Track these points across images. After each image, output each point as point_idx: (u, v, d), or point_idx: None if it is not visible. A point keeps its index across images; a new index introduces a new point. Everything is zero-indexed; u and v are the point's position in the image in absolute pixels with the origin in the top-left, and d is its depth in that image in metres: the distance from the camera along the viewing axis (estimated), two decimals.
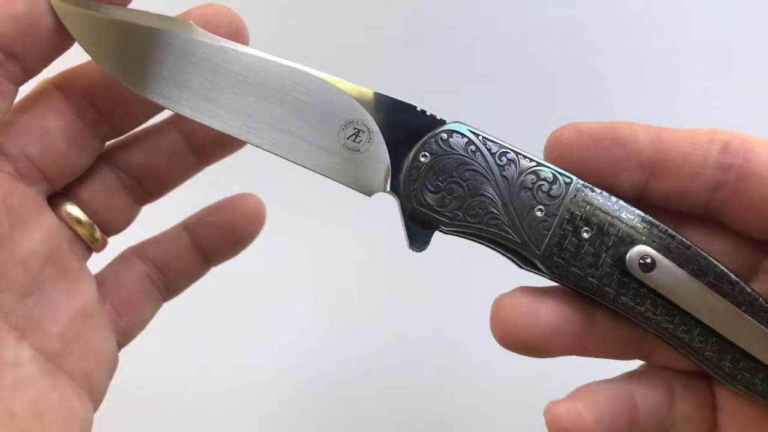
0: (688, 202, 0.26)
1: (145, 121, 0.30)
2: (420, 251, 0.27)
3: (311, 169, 0.27)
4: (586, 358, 0.28)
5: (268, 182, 0.36)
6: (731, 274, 0.26)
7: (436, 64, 0.51)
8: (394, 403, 0.51)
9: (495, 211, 0.26)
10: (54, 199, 0.29)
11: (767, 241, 0.27)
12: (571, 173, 0.26)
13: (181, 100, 0.26)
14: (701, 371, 0.28)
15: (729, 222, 0.27)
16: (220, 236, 0.33)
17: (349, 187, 0.27)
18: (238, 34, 0.28)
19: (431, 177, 0.26)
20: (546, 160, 0.26)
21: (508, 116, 0.45)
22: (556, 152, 0.26)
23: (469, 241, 0.27)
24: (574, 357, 0.29)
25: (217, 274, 0.34)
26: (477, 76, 0.51)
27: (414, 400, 0.50)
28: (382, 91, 0.27)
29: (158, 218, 0.33)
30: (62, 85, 0.28)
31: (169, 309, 0.33)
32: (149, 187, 0.31)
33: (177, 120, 0.31)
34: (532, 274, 0.27)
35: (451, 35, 0.51)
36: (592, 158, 0.26)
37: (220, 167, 0.32)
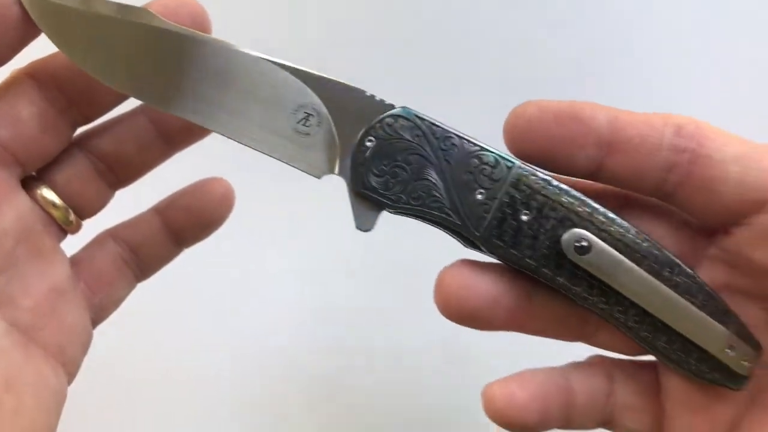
0: (641, 182, 0.27)
1: (113, 107, 0.31)
2: (367, 231, 0.28)
3: (262, 152, 0.28)
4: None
5: (247, 165, 0.37)
6: (672, 257, 0.27)
7: (419, 63, 0.51)
8: (381, 386, 0.52)
9: (437, 194, 0.27)
10: (30, 183, 0.30)
11: (713, 228, 0.28)
12: (531, 147, 0.26)
13: (141, 87, 0.28)
14: (645, 361, 0.29)
15: (680, 205, 0.27)
16: (190, 219, 0.34)
17: (300, 169, 0.28)
18: (201, 24, 0.29)
19: (376, 161, 0.27)
20: (506, 136, 0.27)
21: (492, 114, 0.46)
22: (517, 127, 0.26)
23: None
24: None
25: (200, 253, 0.36)
26: (463, 74, 0.52)
27: (404, 385, 0.51)
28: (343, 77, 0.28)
29: (135, 202, 0.34)
30: (33, 74, 0.29)
31: (152, 291, 0.35)
32: (121, 172, 0.32)
33: (146, 107, 0.32)
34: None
35: (436, 34, 0.51)
36: (553, 134, 0.26)
37: (194, 151, 0.34)
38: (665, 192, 0.27)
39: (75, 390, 0.31)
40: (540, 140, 0.26)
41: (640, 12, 0.51)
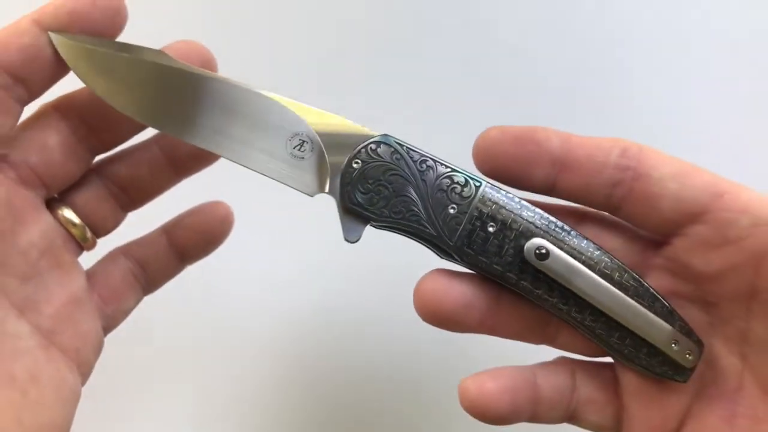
0: (591, 196, 0.31)
1: (130, 137, 0.35)
2: (354, 242, 0.31)
3: (262, 174, 0.32)
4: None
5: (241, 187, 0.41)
6: (621, 264, 0.30)
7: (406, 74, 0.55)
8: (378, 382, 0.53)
9: (415, 209, 0.31)
10: (53, 204, 0.34)
11: (658, 240, 0.31)
12: (494, 166, 0.30)
13: (159, 119, 0.32)
14: (604, 361, 0.33)
15: (626, 217, 0.31)
16: (193, 238, 0.37)
17: (295, 189, 0.32)
18: (208, 64, 0.33)
19: (362, 180, 0.31)
20: (474, 155, 0.31)
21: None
22: (482, 147, 0.30)
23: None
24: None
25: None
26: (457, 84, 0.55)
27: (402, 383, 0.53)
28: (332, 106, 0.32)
29: (145, 222, 0.38)
30: (59, 107, 0.33)
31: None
32: (134, 195, 0.36)
33: (159, 139, 0.36)
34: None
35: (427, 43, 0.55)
36: (512, 153, 0.30)
37: (200, 176, 0.37)
38: (612, 205, 0.31)
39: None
40: (502, 159, 0.30)
41: (631, 26, 0.53)
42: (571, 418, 0.33)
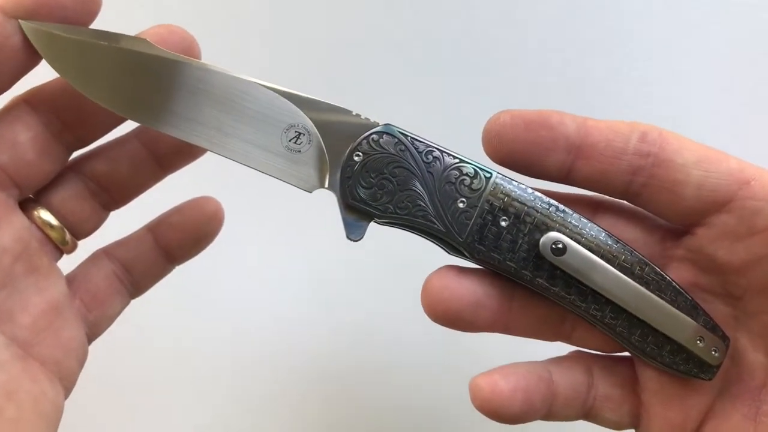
0: (609, 184, 0.29)
1: (107, 131, 0.33)
2: (357, 240, 0.29)
3: (257, 169, 0.29)
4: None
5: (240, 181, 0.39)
6: (641, 257, 0.29)
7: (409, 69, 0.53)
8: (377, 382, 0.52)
9: (422, 203, 0.29)
10: (27, 205, 0.31)
11: (679, 230, 0.30)
12: (506, 153, 0.28)
13: (139, 111, 0.29)
14: (622, 356, 0.31)
15: (645, 205, 0.29)
16: (180, 236, 0.35)
17: (292, 184, 0.30)
18: (190, 50, 0.31)
19: (364, 174, 0.29)
20: (484, 141, 0.29)
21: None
22: (493, 132, 0.28)
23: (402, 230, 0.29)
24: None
25: (202, 255, 0.37)
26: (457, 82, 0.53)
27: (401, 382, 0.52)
28: (330, 97, 0.29)
29: (133, 221, 0.35)
30: (30, 100, 0.30)
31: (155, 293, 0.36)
32: (115, 193, 0.34)
33: (140, 132, 0.33)
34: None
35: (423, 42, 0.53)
36: (524, 139, 0.28)
37: (192, 171, 0.35)
38: (632, 193, 0.29)
39: (77, 389, 0.32)
40: (513, 145, 0.28)
41: (632, 25, 0.52)
42: (587, 416, 0.31)
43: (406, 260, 0.45)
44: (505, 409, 0.29)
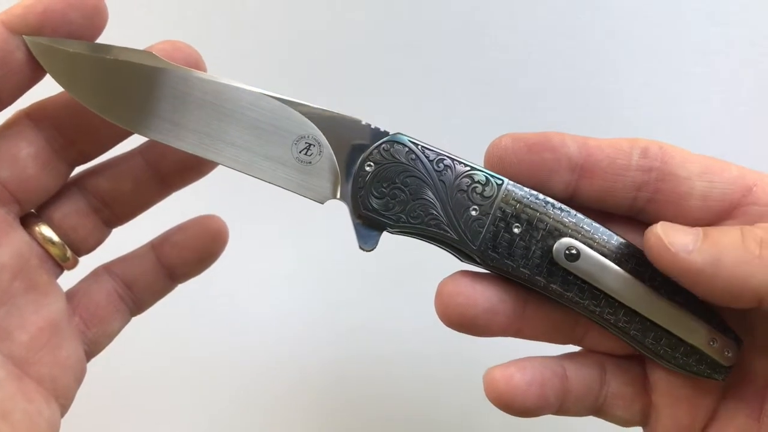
0: (614, 201, 0.29)
1: (111, 147, 0.32)
2: (370, 250, 0.29)
3: (268, 181, 0.29)
4: None
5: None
6: None
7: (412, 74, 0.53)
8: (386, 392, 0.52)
9: (434, 212, 0.29)
10: (28, 220, 0.31)
11: None
12: (510, 175, 0.29)
13: (146, 124, 0.29)
14: (633, 354, 0.31)
15: (651, 220, 0.29)
16: (183, 255, 0.34)
17: (303, 196, 0.29)
18: (196, 66, 0.31)
19: (376, 184, 0.29)
20: (486, 163, 0.29)
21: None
22: (495, 156, 0.29)
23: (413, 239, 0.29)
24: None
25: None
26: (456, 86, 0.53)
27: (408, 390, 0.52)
28: (338, 107, 0.29)
29: (139, 231, 0.35)
30: (32, 115, 0.30)
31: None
32: (117, 210, 0.33)
33: (144, 149, 0.33)
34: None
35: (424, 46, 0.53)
36: (527, 161, 0.29)
37: (203, 186, 0.34)
38: (637, 209, 0.29)
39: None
40: (517, 168, 0.29)
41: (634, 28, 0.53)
42: (597, 412, 0.31)
43: (412, 266, 0.45)
44: (519, 402, 0.29)
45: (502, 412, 0.29)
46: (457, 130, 0.50)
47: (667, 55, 0.53)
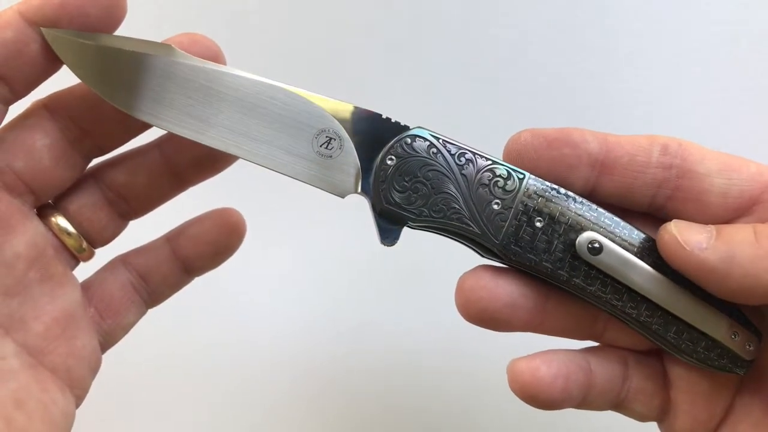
0: (634, 198, 0.29)
1: (128, 140, 0.32)
2: (391, 246, 0.29)
3: (288, 176, 0.29)
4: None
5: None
6: None
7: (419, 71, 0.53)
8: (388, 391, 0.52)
9: (456, 206, 0.28)
10: (45, 211, 0.31)
11: None
12: (529, 171, 0.29)
13: (166, 117, 0.29)
14: (653, 350, 0.31)
15: (671, 217, 0.29)
16: (199, 248, 0.34)
17: (324, 190, 0.29)
18: (216, 60, 0.30)
19: (398, 178, 0.29)
20: (505, 159, 0.29)
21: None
22: (514, 151, 0.29)
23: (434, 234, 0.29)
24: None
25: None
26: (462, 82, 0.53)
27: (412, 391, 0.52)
28: (356, 102, 0.29)
29: (155, 223, 0.35)
30: (49, 106, 0.30)
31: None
32: (133, 203, 0.33)
33: (162, 143, 0.32)
34: None
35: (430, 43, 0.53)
36: (547, 157, 0.29)
37: (222, 180, 0.34)
38: (657, 206, 0.29)
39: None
40: (536, 163, 0.29)
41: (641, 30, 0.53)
42: (617, 407, 0.31)
43: (414, 265, 0.45)
44: (544, 395, 0.29)
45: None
46: (463, 128, 0.50)
47: (668, 53, 0.53)
